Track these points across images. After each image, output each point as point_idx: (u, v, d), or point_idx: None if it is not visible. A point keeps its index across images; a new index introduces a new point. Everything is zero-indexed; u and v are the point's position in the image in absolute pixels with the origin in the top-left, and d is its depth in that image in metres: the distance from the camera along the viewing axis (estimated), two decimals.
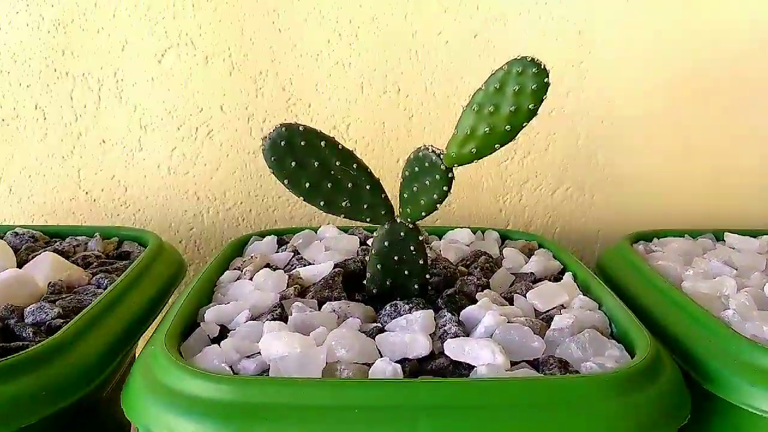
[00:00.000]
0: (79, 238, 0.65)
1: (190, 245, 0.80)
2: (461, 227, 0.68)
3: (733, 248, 0.65)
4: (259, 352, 0.41)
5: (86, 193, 0.78)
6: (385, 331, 0.44)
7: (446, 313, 0.46)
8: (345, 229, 0.67)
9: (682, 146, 0.78)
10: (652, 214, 0.80)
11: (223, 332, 0.45)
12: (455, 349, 0.41)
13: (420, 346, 0.41)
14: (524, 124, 0.42)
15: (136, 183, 0.78)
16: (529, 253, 0.63)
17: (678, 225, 0.78)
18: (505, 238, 0.68)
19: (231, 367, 0.40)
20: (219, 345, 0.42)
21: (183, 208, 0.79)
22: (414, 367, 0.40)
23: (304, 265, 0.57)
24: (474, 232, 0.67)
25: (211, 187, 0.78)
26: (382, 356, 0.41)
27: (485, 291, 0.51)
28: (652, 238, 0.67)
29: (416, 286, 0.52)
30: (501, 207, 0.80)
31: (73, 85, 0.74)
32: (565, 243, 0.81)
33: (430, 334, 0.43)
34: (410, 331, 0.43)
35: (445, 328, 0.44)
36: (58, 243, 0.63)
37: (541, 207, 0.80)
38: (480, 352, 0.40)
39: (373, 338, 0.42)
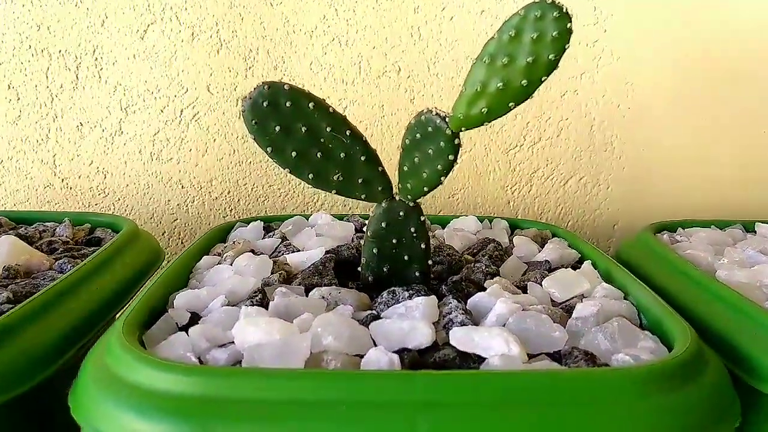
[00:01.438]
0: (47, 224, 0.59)
1: (173, 237, 0.74)
2: (467, 215, 0.62)
3: (766, 237, 0.59)
4: (233, 342, 0.35)
5: (62, 180, 0.72)
6: (381, 318, 0.38)
7: (451, 300, 0.40)
8: (340, 217, 0.61)
9: (705, 133, 0.73)
10: (672, 207, 0.74)
11: (195, 320, 0.39)
12: (463, 338, 0.35)
13: (421, 335, 0.35)
14: (543, 78, 0.37)
15: (116, 170, 0.72)
16: (542, 242, 0.57)
17: (702, 217, 0.72)
18: (514, 227, 0.62)
19: (199, 357, 0.34)
20: (187, 333, 0.36)
21: (166, 197, 0.73)
22: (414, 360, 0.34)
23: (293, 252, 0.51)
24: (481, 221, 0.61)
25: (197, 175, 0.72)
26: (376, 346, 0.35)
27: (495, 278, 0.45)
28: (677, 228, 0.61)
29: (417, 274, 0.46)
30: (509, 198, 0.74)
31: (49, 62, 0.69)
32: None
33: (433, 323, 0.37)
34: (409, 319, 0.37)
35: (451, 316, 0.38)
36: (23, 228, 0.58)
37: (552, 198, 0.74)
38: (491, 342, 0.34)
39: (367, 326, 0.36)
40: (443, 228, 0.62)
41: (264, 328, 0.34)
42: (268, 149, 0.41)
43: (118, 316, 0.45)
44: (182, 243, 0.74)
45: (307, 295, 0.42)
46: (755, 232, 0.61)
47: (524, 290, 0.45)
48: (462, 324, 0.38)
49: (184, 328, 0.38)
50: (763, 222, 0.62)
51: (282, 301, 0.39)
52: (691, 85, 0.71)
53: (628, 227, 0.75)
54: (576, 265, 0.51)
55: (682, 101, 0.72)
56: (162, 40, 0.69)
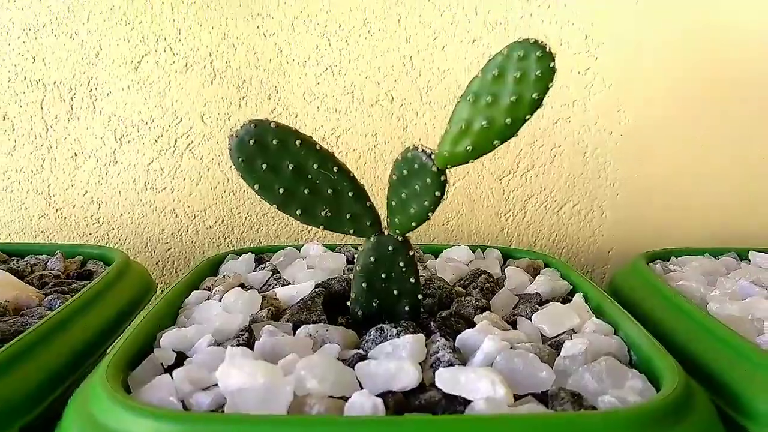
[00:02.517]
0: (39, 257, 0.59)
1: (167, 266, 0.74)
2: (459, 245, 0.62)
3: (761, 267, 0.59)
4: (217, 384, 0.35)
5: (56, 210, 0.72)
6: (368, 358, 0.38)
7: (439, 338, 0.40)
8: (332, 247, 0.61)
9: (698, 159, 0.73)
10: (667, 233, 0.74)
11: (181, 360, 0.39)
12: (449, 380, 0.34)
13: (407, 377, 0.35)
14: (527, 116, 0.37)
15: (110, 199, 0.72)
16: (534, 273, 0.57)
17: (697, 244, 0.72)
18: (507, 256, 0.62)
19: (183, 401, 0.34)
20: (171, 376, 0.36)
21: (160, 226, 0.73)
22: (399, 402, 0.34)
23: (283, 285, 0.51)
24: (473, 251, 0.61)
25: (191, 204, 0.72)
26: (362, 388, 0.35)
27: (485, 313, 0.45)
28: (670, 257, 0.61)
29: (407, 308, 0.45)
30: (503, 225, 0.74)
31: (44, 94, 0.69)
32: (573, 264, 0.75)
33: (420, 363, 0.37)
34: (396, 359, 0.37)
35: (438, 355, 0.38)
36: (15, 261, 0.58)
37: (546, 225, 0.74)
38: (478, 384, 0.34)
39: (353, 367, 0.36)
40: (435, 258, 0.61)
41: (247, 371, 0.34)
42: (255, 186, 0.41)
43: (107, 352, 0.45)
44: (176, 272, 0.74)
45: (294, 333, 0.42)
46: (749, 260, 0.61)
47: (514, 325, 0.45)
48: (449, 363, 0.37)
49: (170, 368, 0.38)
50: (757, 250, 0.61)
51: (268, 340, 0.39)
52: (684, 112, 0.71)
53: (623, 253, 0.75)
54: (567, 298, 0.51)
55: (675, 128, 0.72)
56: (156, 71, 0.69)
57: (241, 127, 0.40)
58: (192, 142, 0.71)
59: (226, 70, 0.69)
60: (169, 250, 0.74)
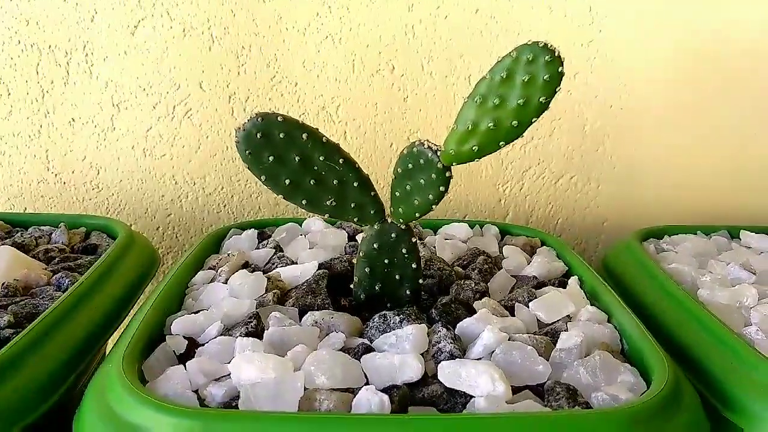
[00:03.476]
0: (42, 228, 0.59)
1: (167, 232, 0.75)
2: (458, 220, 0.63)
3: (750, 248, 0.60)
4: (229, 375, 0.36)
5: (55, 175, 0.72)
6: (372, 350, 0.39)
7: (440, 328, 0.41)
8: (333, 222, 0.62)
9: (698, 134, 0.73)
10: (661, 207, 0.75)
11: (192, 346, 0.41)
12: (450, 375, 0.36)
13: (410, 370, 0.37)
14: (534, 119, 0.37)
15: (109, 165, 0.72)
16: (531, 252, 0.59)
17: (689, 218, 0.74)
18: (504, 233, 0.63)
19: (197, 391, 0.36)
20: (184, 366, 0.37)
21: (160, 192, 0.73)
22: (404, 395, 0.36)
23: (286, 264, 0.52)
24: (472, 227, 0.62)
25: (190, 171, 0.73)
26: (367, 380, 0.36)
27: (483, 300, 0.46)
28: (663, 235, 0.63)
29: (408, 292, 0.47)
30: (500, 196, 0.75)
31: (39, 58, 0.68)
32: (567, 235, 0.77)
33: (422, 353, 0.39)
34: (400, 350, 0.39)
35: (440, 345, 0.40)
36: (19, 234, 0.58)
37: (543, 196, 0.75)
38: (478, 380, 0.35)
39: (359, 358, 0.38)
40: (435, 233, 0.63)
41: (258, 365, 0.35)
42: (261, 177, 0.42)
43: (116, 333, 0.47)
44: (176, 237, 0.75)
45: (300, 319, 0.43)
46: (740, 239, 0.62)
47: (512, 311, 0.46)
48: (450, 354, 0.39)
49: (182, 356, 0.40)
50: (748, 228, 0.63)
51: (276, 330, 0.40)
52: (685, 87, 0.71)
53: (617, 225, 0.76)
54: (563, 280, 0.53)
55: (676, 103, 0.72)
56: (153, 37, 0.68)
57: (248, 120, 0.40)
58: (191, 109, 0.70)
59: (224, 36, 0.68)
60: (169, 216, 0.74)
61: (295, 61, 0.69)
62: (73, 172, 0.72)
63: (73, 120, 0.70)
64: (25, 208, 0.73)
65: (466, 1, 0.68)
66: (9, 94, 0.69)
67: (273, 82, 0.70)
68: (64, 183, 0.73)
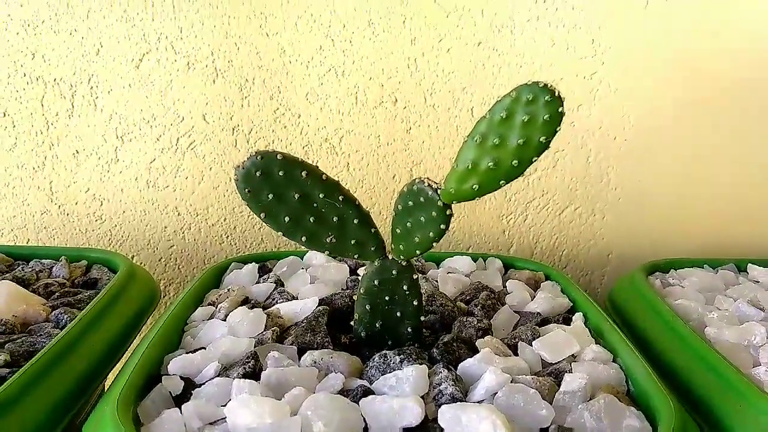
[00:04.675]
0: (44, 261, 0.59)
1: (170, 264, 0.75)
2: (461, 253, 0.63)
3: (758, 282, 0.59)
4: (225, 419, 0.36)
5: (59, 207, 0.72)
6: (372, 392, 0.39)
7: (442, 369, 0.40)
8: (335, 255, 0.61)
9: (701, 166, 0.73)
10: (667, 238, 0.74)
11: (189, 386, 0.40)
12: (451, 420, 0.35)
13: (410, 415, 0.36)
14: (534, 159, 0.37)
15: (113, 197, 0.72)
16: (534, 286, 0.58)
17: (695, 251, 0.73)
18: (508, 266, 0.62)
19: None
20: (180, 408, 0.36)
21: (163, 224, 0.73)
22: None
23: (286, 299, 0.52)
24: (475, 260, 0.62)
25: (193, 202, 0.73)
26: (366, 425, 0.36)
27: (486, 338, 0.46)
28: (669, 268, 0.62)
29: (409, 330, 0.46)
30: (504, 228, 0.74)
31: (45, 91, 0.69)
32: (572, 267, 0.76)
33: (423, 396, 0.38)
34: (400, 393, 0.38)
35: (441, 387, 0.39)
36: (20, 268, 0.58)
37: (547, 228, 0.75)
38: (480, 426, 0.34)
39: (358, 401, 0.37)
40: (437, 266, 0.62)
41: (255, 410, 0.35)
42: (261, 215, 0.42)
43: (114, 371, 0.46)
44: (179, 269, 0.75)
45: (299, 358, 0.43)
46: (747, 272, 0.62)
47: (515, 349, 0.45)
48: (452, 397, 0.38)
49: (179, 398, 0.39)
50: (755, 262, 0.62)
51: (274, 371, 0.39)
52: (689, 118, 0.71)
53: (622, 257, 0.75)
54: (567, 316, 0.52)
55: (679, 134, 0.71)
56: (158, 70, 0.68)
57: (247, 158, 0.40)
58: (194, 141, 0.70)
59: (228, 69, 0.69)
60: (171, 247, 0.74)
61: (298, 93, 0.69)
62: (76, 203, 0.72)
63: (77, 152, 0.71)
64: (28, 240, 0.73)
65: (469, 34, 0.68)
66: (14, 126, 0.70)
67: (276, 114, 0.70)
68: (67, 214, 0.73)
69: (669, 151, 0.72)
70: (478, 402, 0.38)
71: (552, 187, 0.73)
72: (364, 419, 0.36)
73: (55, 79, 0.69)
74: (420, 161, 0.71)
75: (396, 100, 0.70)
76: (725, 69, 0.69)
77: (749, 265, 0.62)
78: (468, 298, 0.54)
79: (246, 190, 0.41)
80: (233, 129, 0.70)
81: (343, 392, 0.39)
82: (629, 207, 0.74)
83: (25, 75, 0.68)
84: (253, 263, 0.59)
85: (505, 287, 0.57)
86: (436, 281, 0.57)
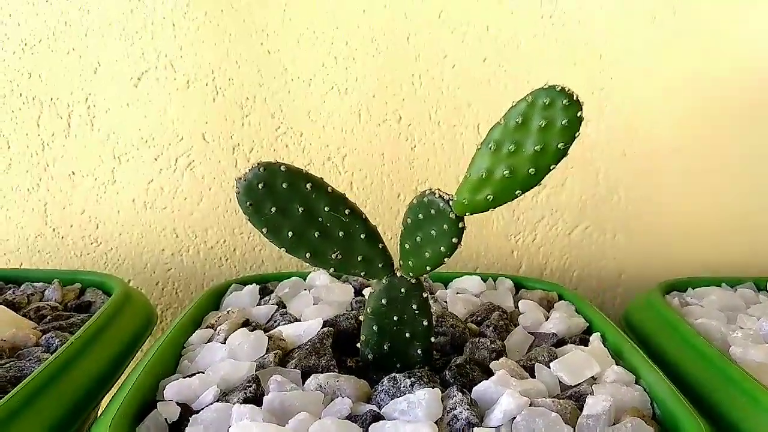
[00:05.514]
0: (35, 284, 0.57)
1: (167, 288, 0.72)
2: (470, 273, 0.60)
3: None
4: None
5: (53, 229, 0.70)
6: (381, 418, 0.36)
7: (456, 393, 0.38)
8: (339, 276, 0.59)
9: (713, 180, 0.71)
10: (680, 257, 0.72)
11: (186, 413, 0.37)
12: None
13: None
14: (552, 166, 0.35)
15: (109, 219, 0.70)
16: (548, 306, 0.55)
17: (710, 269, 0.71)
18: (519, 286, 0.60)
19: None
20: None
21: (160, 246, 0.71)
22: None
23: (289, 322, 0.49)
24: (484, 280, 0.59)
25: (192, 224, 0.70)
26: None
27: (501, 360, 0.43)
28: (686, 287, 0.60)
29: (419, 351, 0.44)
30: (513, 248, 0.72)
31: (41, 111, 0.67)
32: (584, 288, 0.74)
33: (436, 421, 0.36)
34: (412, 418, 0.35)
35: (455, 412, 0.36)
36: (11, 291, 0.56)
37: (557, 248, 0.72)
38: None
39: (367, 428, 0.35)
40: (445, 286, 0.60)
41: None
42: (263, 230, 0.40)
43: (108, 396, 0.44)
44: (176, 293, 0.72)
45: (303, 381, 0.40)
46: (767, 290, 0.59)
47: (531, 371, 0.43)
48: (467, 421, 0.36)
49: (175, 425, 0.37)
50: None
51: (277, 396, 0.37)
52: (698, 132, 0.70)
53: (634, 277, 0.73)
54: (584, 337, 0.49)
55: (689, 148, 0.70)
56: (156, 88, 0.67)
57: (249, 170, 0.38)
58: (193, 161, 0.69)
59: (228, 87, 0.67)
60: (169, 270, 0.72)
61: (300, 111, 0.68)
62: (71, 226, 0.70)
63: (73, 173, 0.69)
64: (22, 264, 0.71)
65: (474, 50, 0.67)
66: (9, 147, 0.68)
67: (278, 132, 0.68)
68: (62, 237, 0.70)
69: (679, 167, 0.70)
70: (495, 427, 0.36)
71: (561, 206, 0.71)
72: None
73: (51, 99, 0.67)
74: (425, 179, 0.70)
75: (400, 118, 0.68)
76: (735, 82, 0.68)
77: None
78: (479, 318, 0.52)
79: (248, 203, 0.39)
80: (233, 148, 0.69)
81: (351, 417, 0.36)
82: (641, 225, 0.72)
83: (21, 95, 0.67)
84: (254, 284, 0.56)
85: (517, 307, 0.54)
86: (445, 302, 0.54)
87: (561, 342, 0.48)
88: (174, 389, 0.39)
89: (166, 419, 0.37)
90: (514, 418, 0.36)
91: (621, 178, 0.70)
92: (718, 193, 0.71)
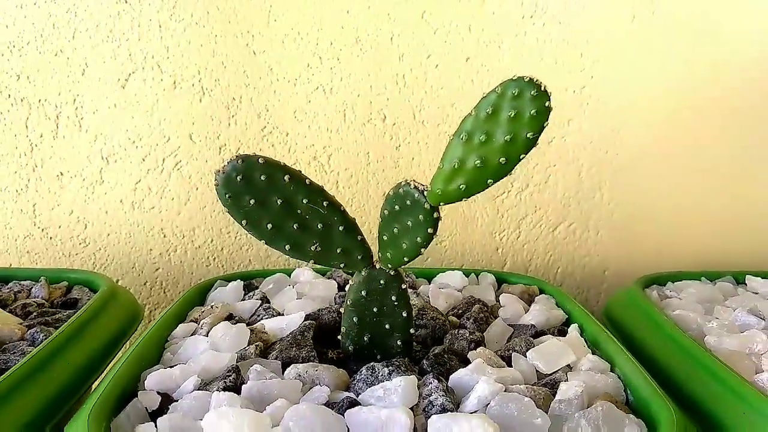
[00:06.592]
0: (23, 282, 0.58)
1: (155, 287, 0.73)
2: (452, 269, 0.61)
3: (757, 293, 0.58)
4: None
5: (42, 230, 0.71)
6: (359, 404, 0.37)
7: (432, 380, 0.39)
8: (323, 272, 0.60)
9: (695, 179, 0.72)
10: (662, 253, 0.73)
11: (167, 402, 0.38)
12: (441, 430, 0.33)
13: (398, 426, 0.34)
14: (522, 156, 0.36)
15: (97, 219, 0.71)
16: (528, 300, 0.56)
17: (692, 265, 0.71)
18: (501, 281, 0.61)
19: None
20: (155, 424, 0.34)
21: (148, 246, 0.72)
22: None
23: (272, 316, 0.50)
24: (467, 275, 0.60)
25: (179, 224, 0.71)
26: None
27: (479, 349, 0.44)
28: (666, 281, 0.60)
29: (399, 342, 0.44)
30: (497, 245, 0.73)
31: (29, 112, 0.68)
32: (568, 284, 0.74)
33: (412, 407, 0.36)
34: (388, 404, 0.36)
35: (431, 398, 0.37)
36: None
37: (541, 245, 0.73)
38: None
39: (343, 413, 0.35)
40: (429, 282, 0.60)
41: (234, 422, 0.33)
42: (242, 222, 0.40)
43: (93, 387, 0.44)
44: (164, 293, 0.73)
45: (283, 371, 0.41)
46: (746, 284, 0.60)
47: (509, 361, 0.44)
48: (442, 407, 0.36)
49: (155, 413, 0.37)
50: (754, 274, 0.61)
51: (255, 384, 0.37)
52: (681, 130, 0.71)
53: (618, 273, 0.74)
54: (563, 328, 0.50)
55: (673, 146, 0.71)
56: (143, 89, 0.68)
57: (227, 162, 0.39)
58: (180, 161, 0.69)
59: (215, 88, 0.68)
60: (157, 270, 0.72)
61: (286, 111, 0.69)
62: (60, 226, 0.71)
63: (62, 174, 0.69)
64: (11, 264, 0.71)
65: (457, 50, 0.68)
66: None
67: (264, 132, 0.69)
68: (51, 238, 0.71)
69: (661, 163, 0.71)
70: (471, 413, 0.36)
71: (545, 203, 0.72)
72: (350, 431, 0.34)
73: (39, 100, 0.68)
74: (411, 178, 0.70)
75: (385, 117, 0.69)
76: (715, 80, 0.69)
77: (748, 276, 0.60)
78: (460, 311, 0.52)
79: (227, 195, 0.39)
80: (220, 148, 0.69)
81: (329, 404, 0.37)
82: (624, 222, 0.73)
83: (9, 96, 0.68)
84: (239, 281, 0.57)
85: (498, 301, 0.55)
86: (428, 296, 0.55)
87: (540, 333, 0.49)
88: (155, 379, 0.39)
89: (146, 408, 0.37)
90: (489, 403, 0.36)
91: (604, 175, 0.71)
92: (700, 190, 0.72)
